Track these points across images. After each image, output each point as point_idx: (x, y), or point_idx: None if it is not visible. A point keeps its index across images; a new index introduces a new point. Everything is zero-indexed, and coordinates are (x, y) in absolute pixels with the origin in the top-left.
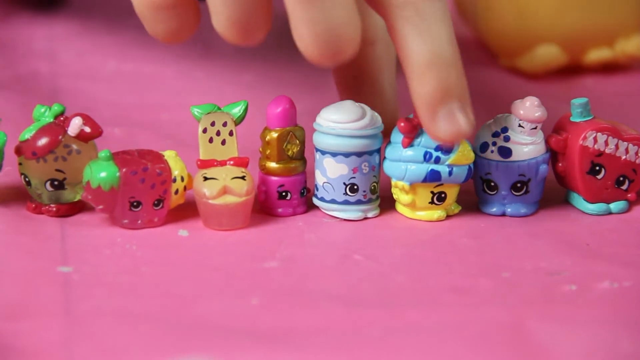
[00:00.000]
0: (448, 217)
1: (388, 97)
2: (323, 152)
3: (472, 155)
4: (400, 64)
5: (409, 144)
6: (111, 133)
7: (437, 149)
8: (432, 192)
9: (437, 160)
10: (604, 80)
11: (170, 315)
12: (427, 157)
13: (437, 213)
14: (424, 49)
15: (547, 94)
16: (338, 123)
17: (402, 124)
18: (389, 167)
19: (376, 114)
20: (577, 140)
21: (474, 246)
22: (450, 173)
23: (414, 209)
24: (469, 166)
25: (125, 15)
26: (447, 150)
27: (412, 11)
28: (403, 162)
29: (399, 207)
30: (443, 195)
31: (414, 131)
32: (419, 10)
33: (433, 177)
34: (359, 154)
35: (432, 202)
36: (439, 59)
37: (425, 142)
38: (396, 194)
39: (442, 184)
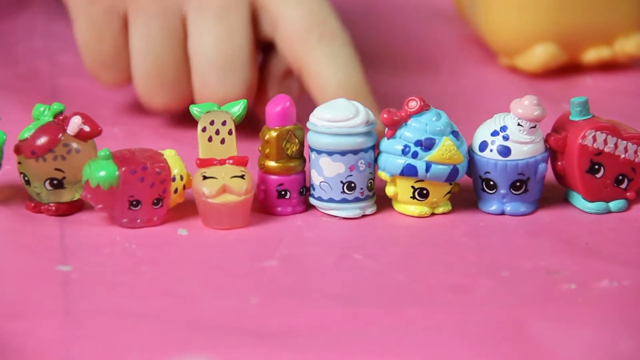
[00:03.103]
0: (447, 216)
1: None
2: (319, 152)
3: (458, 157)
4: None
5: (392, 135)
6: (110, 132)
7: (416, 144)
8: (412, 187)
9: (415, 155)
10: (603, 79)
11: (170, 315)
12: (405, 151)
13: (419, 209)
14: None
15: (546, 92)
16: (333, 122)
17: (385, 115)
18: (379, 157)
19: (369, 111)
20: (576, 139)
21: (473, 245)
22: (427, 170)
23: (397, 201)
24: (455, 167)
25: None
26: (427, 147)
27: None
28: (385, 153)
29: (394, 202)
30: (425, 191)
31: (396, 124)
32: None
33: (410, 171)
34: (355, 152)
35: (413, 197)
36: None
37: (405, 136)
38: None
39: (422, 180)
